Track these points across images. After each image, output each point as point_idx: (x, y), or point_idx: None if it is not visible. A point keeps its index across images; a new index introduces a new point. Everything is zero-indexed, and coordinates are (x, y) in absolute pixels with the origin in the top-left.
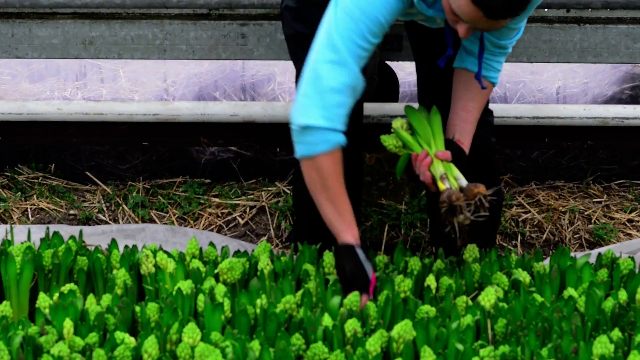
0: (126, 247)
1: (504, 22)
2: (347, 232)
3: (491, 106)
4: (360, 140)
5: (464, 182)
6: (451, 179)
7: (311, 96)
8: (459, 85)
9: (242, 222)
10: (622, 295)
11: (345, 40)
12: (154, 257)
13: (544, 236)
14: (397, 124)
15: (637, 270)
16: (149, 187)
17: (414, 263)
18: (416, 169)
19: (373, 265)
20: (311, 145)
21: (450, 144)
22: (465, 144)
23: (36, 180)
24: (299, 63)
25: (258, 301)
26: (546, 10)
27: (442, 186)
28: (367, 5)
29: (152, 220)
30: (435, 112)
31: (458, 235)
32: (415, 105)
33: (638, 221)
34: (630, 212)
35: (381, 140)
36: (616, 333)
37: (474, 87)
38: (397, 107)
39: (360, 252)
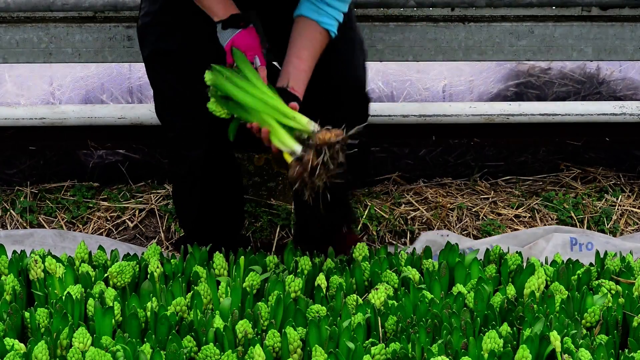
0: (14, 252)
1: None
2: (224, 8)
3: (378, 105)
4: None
5: (312, 129)
6: (293, 144)
7: None
8: (294, 33)
9: (131, 225)
10: (510, 290)
11: None
12: (43, 262)
13: None
14: (212, 91)
15: (524, 265)
16: (36, 191)
17: (304, 263)
18: (257, 136)
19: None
20: None
21: (284, 93)
22: (299, 92)
23: None
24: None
25: (148, 304)
26: (431, 9)
27: (288, 157)
28: None
29: (40, 225)
30: (245, 60)
31: (314, 198)
32: None
33: (525, 217)
34: (517, 208)
35: (210, 109)
36: (505, 328)
37: (308, 35)
38: None
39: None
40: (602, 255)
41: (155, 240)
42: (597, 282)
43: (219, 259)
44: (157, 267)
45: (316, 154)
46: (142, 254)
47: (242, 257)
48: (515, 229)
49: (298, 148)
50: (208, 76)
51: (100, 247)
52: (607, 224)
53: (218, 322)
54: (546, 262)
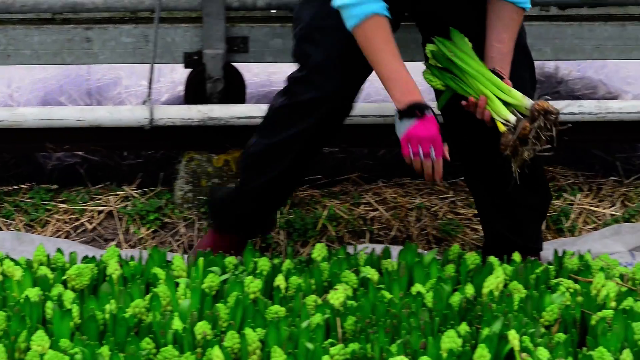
0: None
1: None
2: (402, 93)
3: None
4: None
5: (527, 104)
6: (508, 114)
7: None
8: (492, 16)
9: (90, 227)
10: (469, 289)
11: None
12: (1, 265)
13: (392, 233)
14: (430, 62)
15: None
16: None
17: (263, 264)
18: (472, 110)
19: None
20: (349, 19)
21: (493, 74)
22: (506, 75)
23: None
24: None
25: (107, 306)
26: None
27: (502, 127)
28: None
29: None
30: (463, 37)
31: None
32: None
33: None
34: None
35: (426, 80)
36: (464, 327)
37: (506, 17)
38: (244, 109)
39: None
40: (560, 254)
41: (115, 243)
42: (555, 280)
43: (177, 260)
44: (116, 269)
45: (529, 122)
46: (101, 256)
47: (201, 258)
48: (474, 229)
49: (512, 118)
50: (429, 47)
51: (59, 250)
52: (566, 223)
53: (177, 324)
54: (505, 261)
